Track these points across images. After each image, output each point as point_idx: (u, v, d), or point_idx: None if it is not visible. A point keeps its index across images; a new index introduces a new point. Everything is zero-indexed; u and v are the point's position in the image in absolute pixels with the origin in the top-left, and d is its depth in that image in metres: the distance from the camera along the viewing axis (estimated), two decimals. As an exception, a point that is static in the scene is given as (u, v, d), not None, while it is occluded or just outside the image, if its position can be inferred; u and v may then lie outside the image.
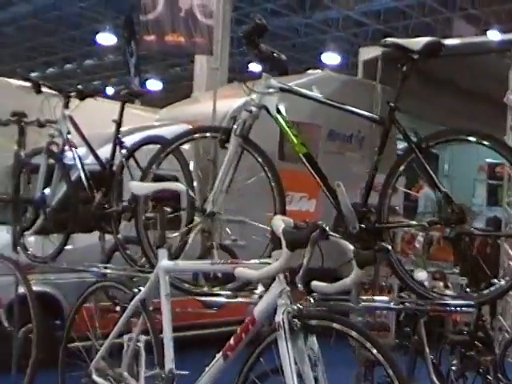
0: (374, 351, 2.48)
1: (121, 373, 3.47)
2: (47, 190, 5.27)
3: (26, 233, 5.42)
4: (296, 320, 2.53)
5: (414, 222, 4.48)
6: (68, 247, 7.27)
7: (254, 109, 3.69)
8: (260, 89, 3.71)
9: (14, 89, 9.07)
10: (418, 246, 6.69)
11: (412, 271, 4.89)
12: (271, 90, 3.70)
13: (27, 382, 4.20)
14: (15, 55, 25.43)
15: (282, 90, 3.73)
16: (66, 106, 5.21)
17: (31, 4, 19.70)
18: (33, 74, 25.82)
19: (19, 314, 4.27)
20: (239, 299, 3.67)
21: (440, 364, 5.13)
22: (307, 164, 3.63)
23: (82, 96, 5.24)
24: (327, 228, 2.42)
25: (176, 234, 3.92)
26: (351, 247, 2.65)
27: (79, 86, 5.36)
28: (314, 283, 2.59)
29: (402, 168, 3.46)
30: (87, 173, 5.01)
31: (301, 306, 2.55)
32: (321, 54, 20.66)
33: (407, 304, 3.95)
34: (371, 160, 3.63)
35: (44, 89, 5.32)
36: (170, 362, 3.09)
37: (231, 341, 2.76)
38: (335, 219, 3.53)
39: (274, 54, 3.70)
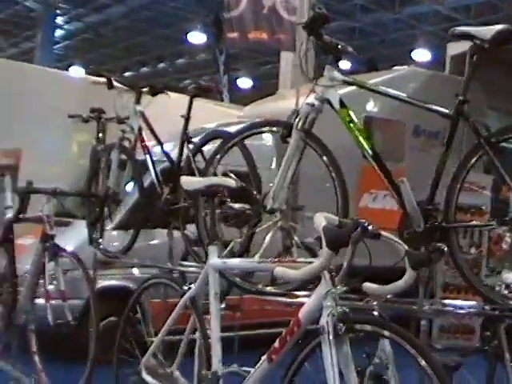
0: (427, 368, 2.28)
1: (172, 372, 3.41)
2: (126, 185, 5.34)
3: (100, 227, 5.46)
4: (341, 324, 2.38)
5: (479, 222, 4.23)
6: (152, 242, 7.55)
7: (316, 102, 3.56)
8: (323, 82, 3.58)
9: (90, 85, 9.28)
10: (505, 246, 6.41)
11: (499, 273, 4.67)
12: (334, 83, 3.56)
13: (86, 378, 4.20)
14: (111, 55, 26.08)
15: (345, 82, 3.59)
16: (138, 101, 5.21)
17: (125, 5, 20.11)
18: (127, 74, 26.51)
19: (94, 309, 4.29)
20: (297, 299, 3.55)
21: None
22: (371, 159, 3.47)
23: (153, 92, 5.24)
24: (370, 226, 2.26)
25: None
26: (403, 247, 2.49)
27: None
28: (366, 285, 2.45)
29: (470, 164, 3.25)
30: (157, 169, 5.02)
31: (347, 309, 2.40)
32: (411, 50, 20.22)
33: (486, 308, 3.72)
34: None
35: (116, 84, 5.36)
36: (216, 363, 2.99)
37: (276, 343, 2.64)
38: (400, 217, 3.36)
39: (339, 46, 3.56)
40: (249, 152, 4.07)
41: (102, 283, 7.12)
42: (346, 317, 2.39)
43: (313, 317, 2.51)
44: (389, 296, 3.14)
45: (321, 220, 2.29)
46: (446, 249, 2.62)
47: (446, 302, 3.95)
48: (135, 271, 7.03)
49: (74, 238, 6.50)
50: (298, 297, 3.55)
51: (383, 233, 2.42)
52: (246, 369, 5.22)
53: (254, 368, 2.72)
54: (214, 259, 3.18)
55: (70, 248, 5.44)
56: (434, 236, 3.22)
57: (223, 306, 6.39)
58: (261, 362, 2.70)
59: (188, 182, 3.42)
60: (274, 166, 7.40)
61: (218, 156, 3.92)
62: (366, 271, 2.40)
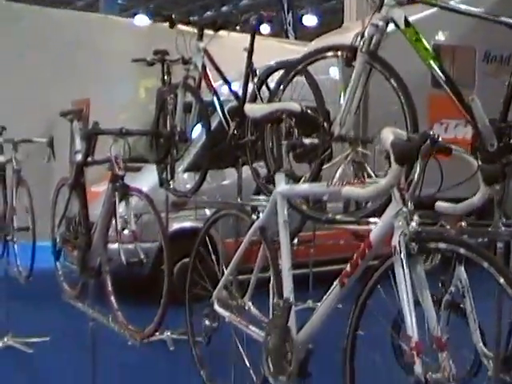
0: (507, 287, 2.14)
1: (244, 303, 3.41)
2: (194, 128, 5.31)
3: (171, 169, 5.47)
4: (414, 243, 2.30)
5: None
6: (223, 183, 7.57)
7: (380, 23, 3.42)
8: (387, 1, 3.42)
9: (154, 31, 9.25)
10: None
11: None
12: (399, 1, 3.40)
13: (159, 316, 4.25)
14: (175, 1, 25.94)
15: (410, 1, 3.42)
16: (200, 38, 5.13)
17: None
18: (191, 18, 26.28)
19: (166, 250, 4.33)
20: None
21: None
22: (442, 82, 3.31)
23: (215, 27, 5.16)
24: (440, 139, 2.15)
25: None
26: (475, 162, 2.38)
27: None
28: (438, 204, 2.36)
29: None
30: (224, 109, 4.96)
31: (419, 228, 2.31)
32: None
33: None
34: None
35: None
36: (288, 292, 2.97)
37: (347, 267, 2.59)
38: (472, 137, 3.22)
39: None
40: (314, 81, 3.95)
41: (175, 225, 7.24)
42: (418, 236, 2.31)
43: (384, 238, 2.45)
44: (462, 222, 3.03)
45: (388, 135, 2.20)
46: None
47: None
48: (208, 212, 7.06)
49: (144, 181, 6.56)
50: (369, 224, 3.48)
51: (454, 147, 2.31)
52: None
53: (329, 291, 2.68)
54: (282, 186, 3.11)
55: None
56: (508, 155, 3.07)
57: (295, 241, 6.42)
58: (333, 286, 2.66)
59: (252, 109, 3.35)
60: (341, 100, 7.23)
61: (282, 86, 3.83)
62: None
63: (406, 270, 2.28)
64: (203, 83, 5.08)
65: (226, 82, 4.99)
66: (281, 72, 4.18)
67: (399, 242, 2.32)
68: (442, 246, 2.29)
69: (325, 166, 3.72)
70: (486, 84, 8.48)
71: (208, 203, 6.07)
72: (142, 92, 10.72)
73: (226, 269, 3.63)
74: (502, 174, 2.28)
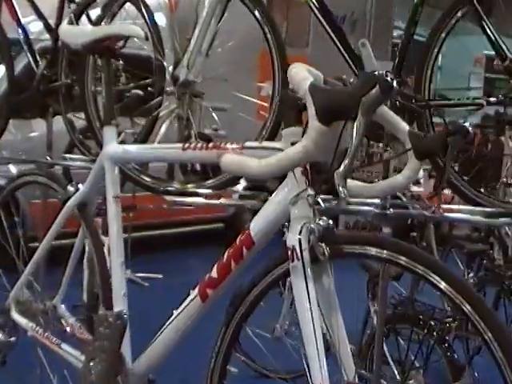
0: (466, 307, 1.36)
1: (54, 305, 2.44)
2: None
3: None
4: (323, 244, 1.51)
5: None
6: (32, 134, 6.47)
7: None
8: None
9: None
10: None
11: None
12: None
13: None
14: None
15: None
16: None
17: None
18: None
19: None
20: (216, 201, 2.69)
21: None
22: (317, 12, 2.60)
23: None
24: (394, 82, 1.33)
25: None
26: (405, 126, 1.66)
27: None
28: (351, 183, 1.59)
29: None
30: (33, 45, 3.93)
31: (330, 221, 1.52)
32: None
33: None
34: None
35: None
36: (120, 301, 2.04)
37: (213, 271, 1.74)
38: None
39: None
40: (149, 9, 3.07)
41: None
42: (329, 233, 1.52)
43: (272, 232, 1.64)
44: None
45: (304, 74, 1.37)
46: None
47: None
48: (12, 168, 5.95)
49: None
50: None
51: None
52: (141, 275, 4.46)
53: (182, 305, 1.82)
54: (113, 145, 2.15)
55: None
56: None
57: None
58: (190, 298, 1.80)
59: (71, 32, 2.33)
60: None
61: (111, 11, 2.90)
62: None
63: (310, 283, 1.50)
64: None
65: (40, 15, 3.93)
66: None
67: (300, 241, 1.53)
68: (365, 250, 1.51)
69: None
70: (319, 45, 7.99)
71: (8, 160, 4.98)
72: None
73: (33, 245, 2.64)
74: (443, 146, 1.56)
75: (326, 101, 1.28)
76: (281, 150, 1.49)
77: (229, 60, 2.97)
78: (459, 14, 2.44)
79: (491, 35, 2.36)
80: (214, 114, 2.98)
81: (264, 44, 2.66)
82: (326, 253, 1.48)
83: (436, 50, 2.52)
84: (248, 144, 1.64)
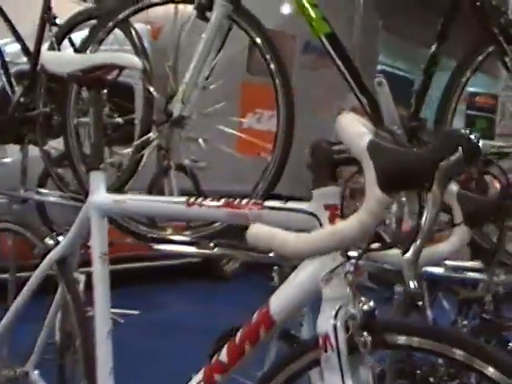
0: None
1: (27, 372, 2.11)
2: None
3: None
4: (365, 333, 1.22)
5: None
6: (5, 160, 6.12)
7: None
8: None
9: None
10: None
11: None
12: None
13: None
14: None
15: None
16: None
17: None
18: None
19: None
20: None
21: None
22: (330, 48, 2.36)
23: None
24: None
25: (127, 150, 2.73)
26: (454, 188, 1.40)
27: None
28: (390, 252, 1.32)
29: None
30: (9, 68, 3.75)
31: (373, 304, 1.22)
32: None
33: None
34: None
35: None
36: (105, 377, 1.72)
37: (222, 355, 1.42)
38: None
39: None
40: (134, 31, 2.86)
41: None
42: (372, 319, 1.24)
43: (297, 312, 1.35)
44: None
45: (359, 129, 1.09)
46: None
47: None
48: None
49: None
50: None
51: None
52: (115, 310, 4.15)
53: None
54: (101, 194, 1.83)
55: None
56: None
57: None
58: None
59: (58, 59, 2.01)
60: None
61: (98, 36, 2.63)
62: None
63: (348, 380, 1.22)
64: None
65: (18, 38, 3.68)
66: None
67: (336, 327, 1.27)
68: (413, 342, 1.23)
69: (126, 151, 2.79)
70: (303, 76, 7.84)
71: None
72: None
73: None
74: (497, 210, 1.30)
75: (391, 165, 1.00)
76: (312, 214, 1.24)
77: (211, 91, 2.73)
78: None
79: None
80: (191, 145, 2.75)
81: (245, 75, 2.45)
82: (368, 343, 1.21)
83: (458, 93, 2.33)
84: (269, 204, 1.37)
